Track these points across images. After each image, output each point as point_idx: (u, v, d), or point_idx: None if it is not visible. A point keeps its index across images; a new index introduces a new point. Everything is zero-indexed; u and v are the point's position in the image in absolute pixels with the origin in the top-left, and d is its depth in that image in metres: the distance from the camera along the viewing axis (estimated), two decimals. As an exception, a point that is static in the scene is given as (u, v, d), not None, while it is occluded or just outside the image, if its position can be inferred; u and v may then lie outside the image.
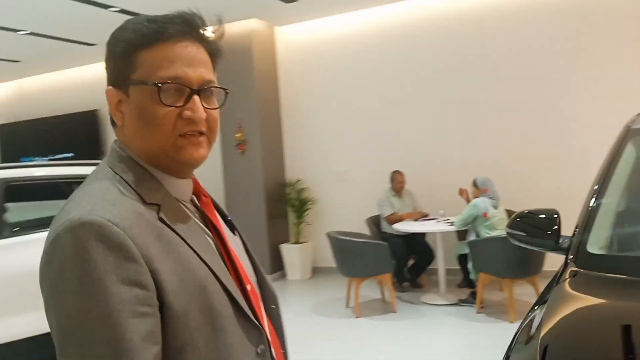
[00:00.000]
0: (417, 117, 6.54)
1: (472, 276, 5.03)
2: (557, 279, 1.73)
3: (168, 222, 0.86)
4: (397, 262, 5.46)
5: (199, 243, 0.89)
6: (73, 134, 8.60)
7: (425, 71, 6.47)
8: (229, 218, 1.07)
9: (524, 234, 2.08)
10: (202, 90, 0.90)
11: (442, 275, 5.48)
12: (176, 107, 0.87)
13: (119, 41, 0.90)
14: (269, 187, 6.94)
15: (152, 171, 0.91)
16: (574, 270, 1.69)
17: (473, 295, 5.14)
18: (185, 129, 0.88)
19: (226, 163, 7.05)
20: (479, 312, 4.95)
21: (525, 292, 5.08)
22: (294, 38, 7.19)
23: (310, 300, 5.93)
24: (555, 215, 2.03)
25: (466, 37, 6.24)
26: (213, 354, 0.85)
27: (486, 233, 4.95)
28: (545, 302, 1.65)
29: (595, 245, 1.77)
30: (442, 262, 5.48)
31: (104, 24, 5.40)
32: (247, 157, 6.91)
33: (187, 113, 0.88)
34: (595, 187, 2.02)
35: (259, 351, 0.92)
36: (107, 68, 0.92)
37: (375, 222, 6.12)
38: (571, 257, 1.76)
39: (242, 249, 1.06)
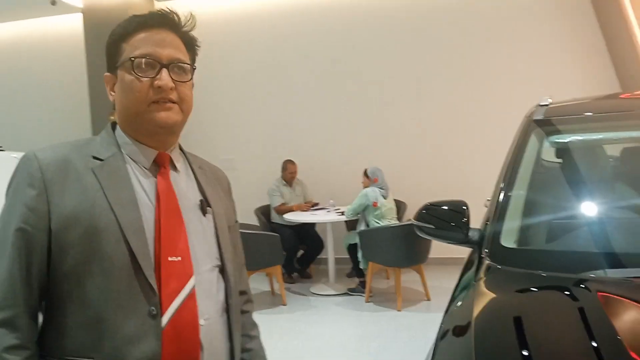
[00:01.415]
0: (308, 105, 6.42)
1: (361, 265, 5.03)
2: (474, 272, 1.65)
3: (97, 173, 1.04)
4: (287, 253, 5.31)
5: (118, 196, 1.03)
6: None
7: (317, 61, 6.36)
8: (201, 199, 1.17)
9: (432, 226, 1.99)
10: (172, 65, 1.07)
11: (331, 265, 5.44)
12: (149, 77, 1.06)
13: (112, 35, 1.11)
14: (148, 175, 6.41)
15: (124, 137, 1.11)
16: (490, 265, 1.63)
17: (362, 284, 5.16)
18: (157, 96, 1.06)
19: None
20: (367, 301, 4.97)
21: (412, 280, 5.21)
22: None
23: (194, 295, 5.56)
24: (464, 207, 1.96)
25: (358, 29, 6.21)
26: (96, 291, 0.99)
27: (375, 222, 4.97)
28: (464, 296, 1.57)
29: (509, 239, 1.73)
30: (332, 252, 5.43)
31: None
32: (124, 142, 6.32)
33: (157, 82, 1.05)
34: (503, 179, 1.98)
35: (151, 311, 1.00)
36: (106, 59, 1.12)
37: (264, 212, 5.92)
38: (486, 251, 1.70)
39: (207, 231, 1.15)
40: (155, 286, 1.00)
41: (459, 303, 1.53)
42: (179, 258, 1.05)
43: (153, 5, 6.64)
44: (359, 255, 5.00)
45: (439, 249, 5.01)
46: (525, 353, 1.14)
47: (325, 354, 3.93)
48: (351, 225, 5.65)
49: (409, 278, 5.18)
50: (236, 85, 6.60)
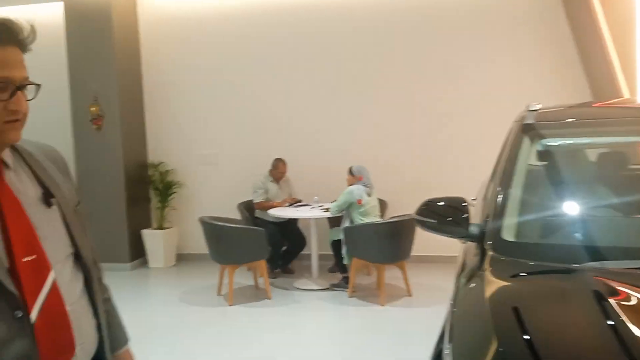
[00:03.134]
0: (293, 102, 6.51)
1: (345, 261, 5.16)
2: (478, 263, 1.80)
3: None
4: (271, 248, 5.40)
5: None
6: None
7: (304, 59, 6.45)
8: (42, 192, 1.17)
9: (434, 221, 2.12)
10: (23, 86, 1.09)
11: (315, 261, 5.55)
12: (2, 101, 1.05)
13: None
14: (129, 168, 6.44)
15: None
16: (494, 256, 1.77)
17: (345, 280, 5.29)
18: (10, 117, 1.06)
19: (79, 139, 6.38)
20: (350, 297, 5.10)
21: (393, 276, 5.37)
22: (160, 8, 6.69)
23: (177, 289, 5.61)
24: (465, 204, 2.11)
25: (346, 27, 6.33)
26: None
27: (360, 219, 5.10)
28: (472, 283, 1.71)
29: (510, 233, 1.88)
30: (316, 248, 5.55)
31: None
32: (104, 134, 6.32)
33: (13, 106, 1.06)
34: (500, 180, 2.13)
35: (16, 315, 1.01)
36: None
37: (247, 207, 5.98)
38: (489, 243, 1.84)
39: (55, 221, 1.17)
40: (13, 290, 1.01)
41: (471, 287, 1.67)
42: (34, 256, 1.07)
43: (136, 1, 6.65)
44: (343, 251, 5.12)
45: (418, 247, 5.20)
46: (537, 322, 1.32)
47: (313, 346, 4.04)
48: (334, 221, 5.78)
49: (390, 274, 5.34)
50: (216, 79, 6.64)
